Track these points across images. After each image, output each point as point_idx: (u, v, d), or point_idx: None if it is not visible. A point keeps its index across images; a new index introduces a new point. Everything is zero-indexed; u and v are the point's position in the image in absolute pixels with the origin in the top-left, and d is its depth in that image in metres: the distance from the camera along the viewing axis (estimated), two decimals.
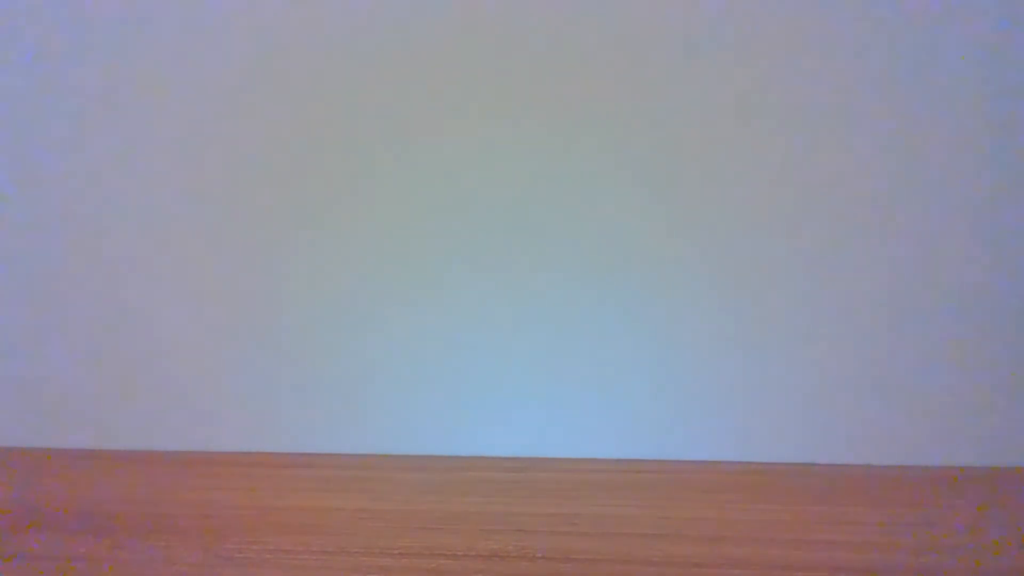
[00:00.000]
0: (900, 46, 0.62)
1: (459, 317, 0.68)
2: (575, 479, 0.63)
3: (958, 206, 0.63)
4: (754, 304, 0.65)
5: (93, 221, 0.70)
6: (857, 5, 0.62)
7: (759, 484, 0.62)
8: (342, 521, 0.56)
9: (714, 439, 0.66)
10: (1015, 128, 0.62)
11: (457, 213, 0.67)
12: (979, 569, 0.48)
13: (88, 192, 0.70)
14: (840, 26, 0.63)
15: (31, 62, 0.69)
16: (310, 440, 0.70)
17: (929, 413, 0.64)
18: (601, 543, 0.52)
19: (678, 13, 0.64)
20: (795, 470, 0.64)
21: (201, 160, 0.69)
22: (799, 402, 0.65)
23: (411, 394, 0.69)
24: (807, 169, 0.64)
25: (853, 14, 0.62)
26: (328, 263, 0.68)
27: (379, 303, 0.68)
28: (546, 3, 0.65)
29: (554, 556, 0.50)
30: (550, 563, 0.49)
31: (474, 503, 0.59)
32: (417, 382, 0.68)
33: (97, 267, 0.70)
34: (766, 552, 0.50)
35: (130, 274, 0.70)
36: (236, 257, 0.69)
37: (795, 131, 0.64)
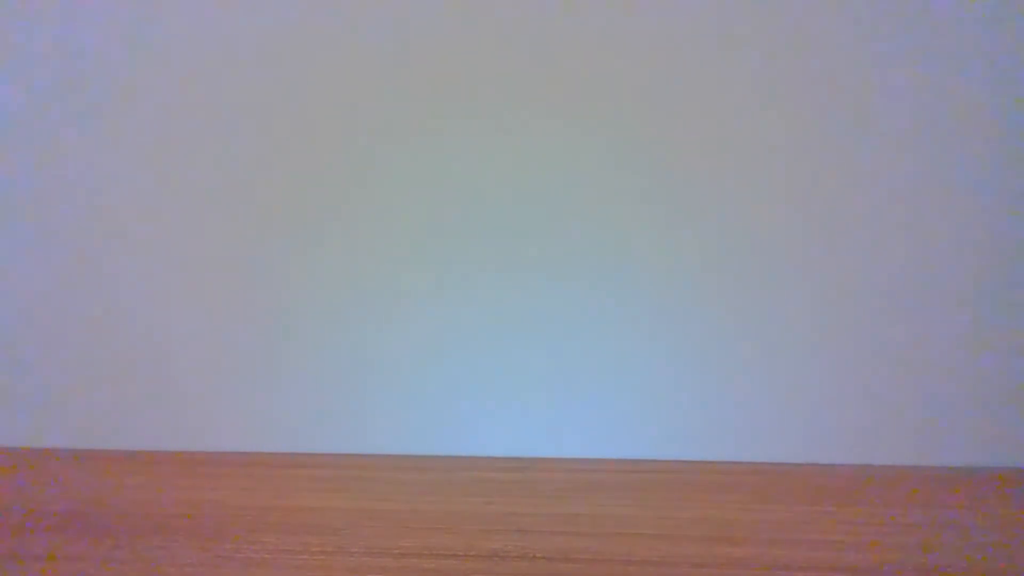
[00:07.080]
0: (909, 46, 0.62)
1: (459, 317, 0.68)
2: (575, 479, 0.63)
3: (961, 208, 0.63)
4: (755, 306, 0.65)
5: (92, 222, 0.70)
6: (867, 5, 0.62)
7: (759, 484, 0.62)
8: (342, 521, 0.56)
9: (714, 439, 0.66)
10: (1019, 131, 0.62)
11: (457, 214, 0.67)
12: (979, 568, 0.48)
13: (87, 193, 0.70)
14: (846, 26, 0.63)
15: (33, 66, 0.69)
16: (310, 440, 0.70)
17: (929, 413, 0.64)
18: (601, 543, 0.52)
19: (681, 12, 0.64)
20: (795, 470, 0.64)
21: (200, 162, 0.69)
22: (800, 402, 0.65)
23: (411, 394, 0.69)
24: (811, 172, 0.64)
25: (863, 14, 0.62)
26: (328, 264, 0.68)
27: (379, 303, 0.68)
28: (548, 4, 0.65)
29: (554, 556, 0.50)
30: (550, 563, 0.49)
31: (474, 503, 0.59)
32: (417, 382, 0.68)
33: (96, 268, 0.70)
34: (766, 552, 0.50)
35: (130, 275, 0.70)
36: (236, 258, 0.69)
37: (803, 134, 0.64)
